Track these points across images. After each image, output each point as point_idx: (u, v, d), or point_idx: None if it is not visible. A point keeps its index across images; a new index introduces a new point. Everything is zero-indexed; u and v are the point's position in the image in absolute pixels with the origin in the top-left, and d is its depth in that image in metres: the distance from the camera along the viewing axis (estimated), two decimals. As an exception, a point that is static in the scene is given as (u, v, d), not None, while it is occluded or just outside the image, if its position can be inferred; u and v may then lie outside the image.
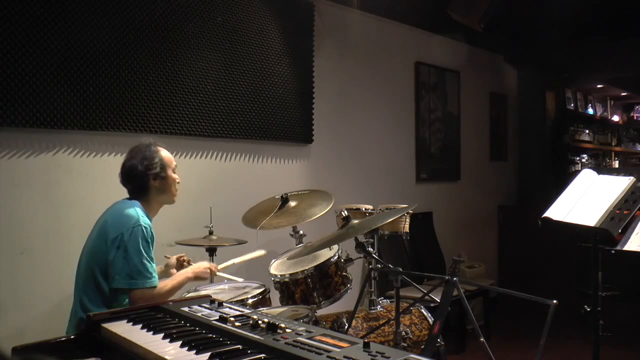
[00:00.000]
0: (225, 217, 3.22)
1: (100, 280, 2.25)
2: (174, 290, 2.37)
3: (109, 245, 2.24)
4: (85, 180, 2.94)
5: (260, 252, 2.88)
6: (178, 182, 2.50)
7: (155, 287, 2.27)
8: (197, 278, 2.52)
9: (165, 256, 2.74)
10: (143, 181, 2.38)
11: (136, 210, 2.30)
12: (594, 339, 2.45)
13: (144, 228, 2.26)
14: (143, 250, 2.24)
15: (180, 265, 2.68)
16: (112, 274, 2.23)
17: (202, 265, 2.56)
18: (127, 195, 2.46)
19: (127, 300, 2.25)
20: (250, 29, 3.64)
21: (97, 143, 2.99)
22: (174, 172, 2.48)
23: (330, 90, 4.26)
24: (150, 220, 2.37)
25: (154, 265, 2.31)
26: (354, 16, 4.38)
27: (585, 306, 2.46)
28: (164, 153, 2.45)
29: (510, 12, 4.77)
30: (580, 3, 4.47)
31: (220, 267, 2.66)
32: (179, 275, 2.45)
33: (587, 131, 7.45)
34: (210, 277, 2.64)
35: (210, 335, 1.40)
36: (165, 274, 2.62)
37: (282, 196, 3.08)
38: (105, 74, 2.96)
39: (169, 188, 2.45)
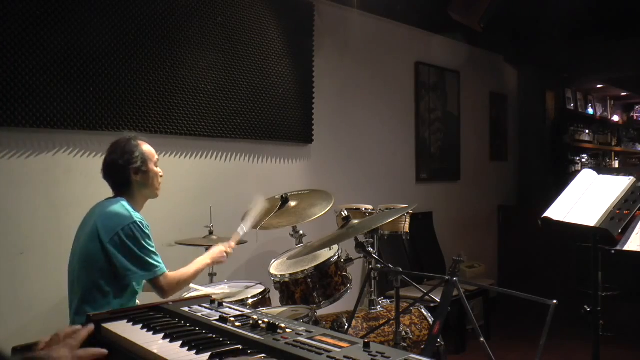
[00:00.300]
0: (225, 217, 3.22)
1: (101, 284, 2.24)
2: (196, 274, 2.44)
3: (106, 247, 2.23)
4: (85, 180, 2.94)
5: (260, 203, 2.84)
6: (161, 176, 2.49)
7: (164, 273, 2.31)
8: (215, 263, 2.57)
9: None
10: (124, 176, 2.37)
11: (125, 208, 2.30)
12: (594, 339, 2.45)
13: (139, 223, 2.27)
14: (146, 244, 2.27)
15: None
16: (122, 272, 2.24)
17: (217, 250, 2.58)
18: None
19: (138, 292, 2.32)
20: (250, 29, 3.64)
21: (97, 143, 2.99)
22: (156, 166, 2.46)
23: (330, 90, 4.26)
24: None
25: (157, 253, 2.34)
26: (354, 16, 4.38)
27: (585, 306, 2.46)
28: (145, 147, 2.43)
29: (510, 12, 4.77)
30: (581, 3, 4.47)
31: (233, 243, 2.66)
32: (198, 262, 2.48)
33: (587, 131, 7.45)
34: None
35: (210, 335, 1.39)
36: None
37: (282, 196, 3.08)
38: (105, 74, 2.96)
39: (151, 182, 2.43)
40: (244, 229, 2.72)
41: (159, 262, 2.31)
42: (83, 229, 2.37)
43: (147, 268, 2.27)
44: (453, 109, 5.55)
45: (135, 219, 2.28)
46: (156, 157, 2.48)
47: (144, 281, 2.36)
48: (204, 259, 2.52)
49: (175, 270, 2.43)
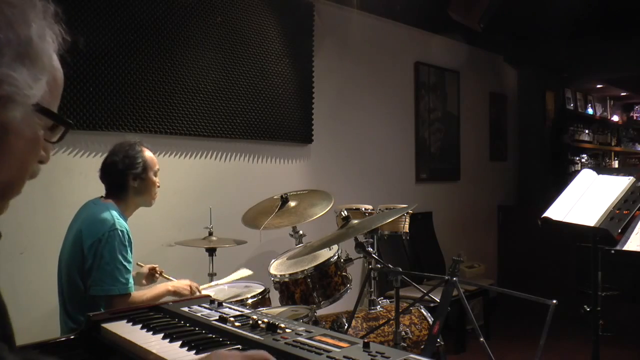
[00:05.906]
0: (225, 218, 3.22)
1: (82, 289, 2.20)
2: (152, 301, 2.27)
3: (86, 253, 2.17)
4: (85, 180, 2.94)
5: (245, 272, 2.78)
6: (158, 186, 2.44)
7: (129, 294, 2.20)
8: (176, 293, 2.39)
9: (138, 264, 2.61)
10: (122, 180, 2.33)
11: (111, 213, 2.23)
12: (593, 339, 2.45)
13: (120, 232, 2.19)
14: (120, 256, 2.17)
15: (151, 275, 2.59)
16: (89, 282, 2.16)
17: (184, 282, 2.46)
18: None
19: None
20: (250, 29, 3.64)
21: (97, 143, 2.99)
22: (156, 175, 2.41)
23: (330, 90, 4.26)
24: (126, 221, 2.32)
25: (130, 270, 2.23)
26: (353, 16, 4.38)
27: (585, 306, 2.46)
28: (148, 154, 2.39)
29: (510, 12, 4.77)
30: (580, 3, 4.47)
31: (202, 287, 2.53)
32: (158, 287, 2.39)
33: (586, 131, 7.46)
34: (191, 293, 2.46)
35: (210, 335, 1.39)
36: (135, 281, 2.48)
37: (281, 196, 3.08)
38: (105, 74, 2.96)
39: (148, 190, 2.38)
40: (218, 283, 2.66)
41: (124, 281, 2.17)
42: (70, 231, 2.32)
43: (109, 282, 2.14)
44: (453, 109, 5.55)
45: (118, 227, 2.19)
46: (157, 166, 2.43)
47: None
48: (165, 286, 2.40)
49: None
